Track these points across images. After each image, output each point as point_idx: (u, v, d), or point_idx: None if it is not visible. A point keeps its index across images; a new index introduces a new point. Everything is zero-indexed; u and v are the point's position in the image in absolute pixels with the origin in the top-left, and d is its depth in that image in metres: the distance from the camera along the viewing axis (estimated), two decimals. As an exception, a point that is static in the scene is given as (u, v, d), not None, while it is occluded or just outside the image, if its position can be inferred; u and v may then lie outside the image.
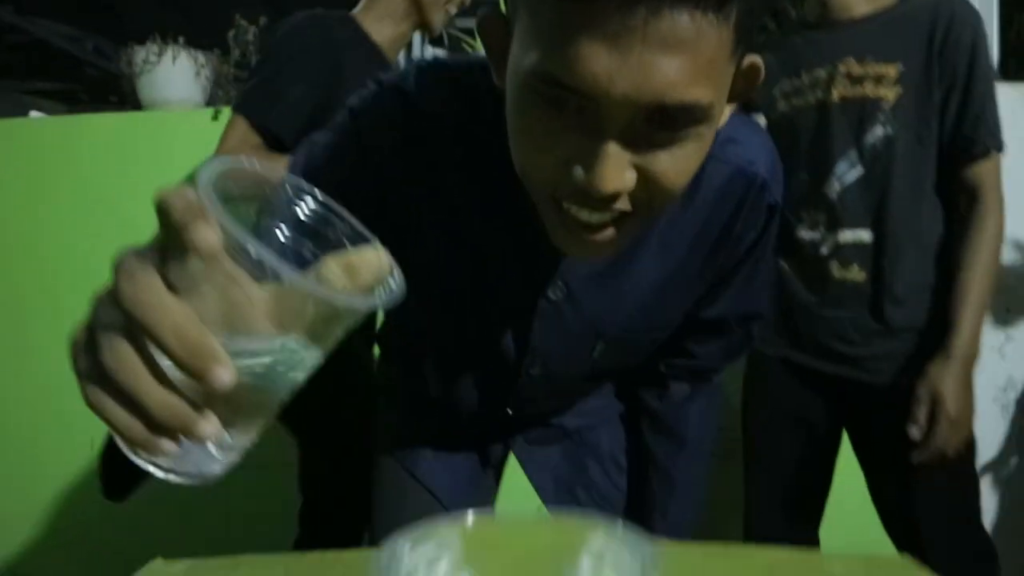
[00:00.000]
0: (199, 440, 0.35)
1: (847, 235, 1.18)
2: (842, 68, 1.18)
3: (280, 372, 0.36)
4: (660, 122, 0.49)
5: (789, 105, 1.25)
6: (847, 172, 1.19)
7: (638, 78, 0.46)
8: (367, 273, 0.37)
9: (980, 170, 1.14)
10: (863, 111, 1.17)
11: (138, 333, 0.33)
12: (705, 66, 0.47)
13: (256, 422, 0.38)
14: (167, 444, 0.35)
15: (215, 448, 0.37)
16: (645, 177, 0.51)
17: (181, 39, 1.56)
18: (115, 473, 0.59)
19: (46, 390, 1.57)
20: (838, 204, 1.19)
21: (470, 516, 0.32)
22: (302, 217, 0.37)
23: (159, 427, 0.34)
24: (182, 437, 0.35)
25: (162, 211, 0.33)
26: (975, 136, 1.13)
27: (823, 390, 1.23)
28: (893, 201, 1.16)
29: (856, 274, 1.17)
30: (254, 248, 0.31)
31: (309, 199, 0.36)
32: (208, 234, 0.31)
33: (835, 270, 1.18)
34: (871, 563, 0.62)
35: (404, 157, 0.65)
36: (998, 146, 1.14)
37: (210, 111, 1.54)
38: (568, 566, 0.28)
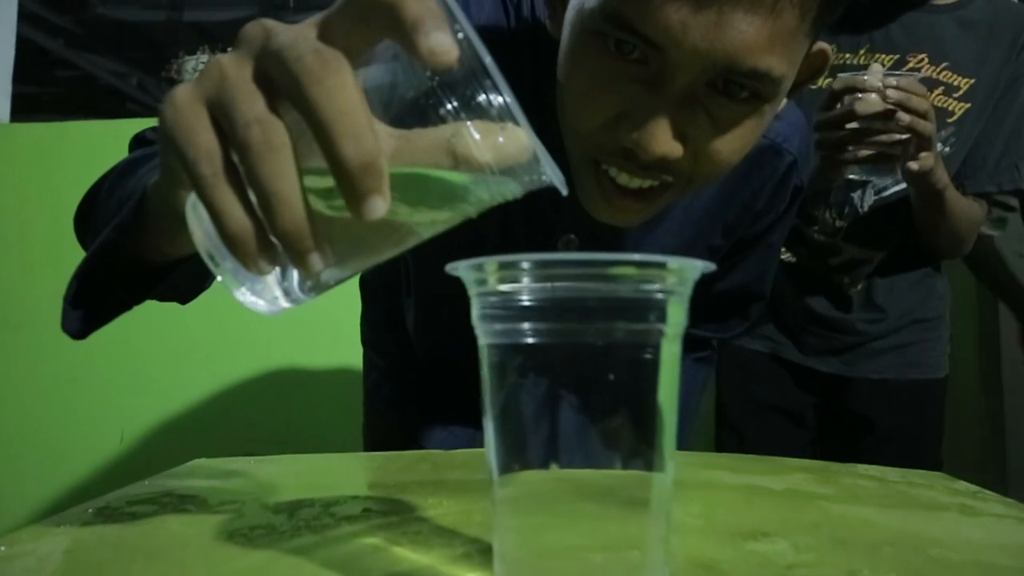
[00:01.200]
0: (304, 271, 0.30)
1: (864, 254, 1.10)
2: (913, 63, 1.03)
3: (408, 227, 0.32)
4: (724, 90, 0.47)
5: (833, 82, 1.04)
6: (891, 183, 1.05)
7: (714, 33, 0.43)
8: (508, 153, 0.30)
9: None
10: None
11: (304, 124, 0.27)
12: (785, 35, 0.44)
13: (346, 273, 0.34)
14: (264, 263, 0.29)
15: (289, 286, 0.33)
16: (695, 151, 0.49)
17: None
18: (93, 302, 0.47)
19: (74, 382, 1.60)
20: (865, 218, 1.07)
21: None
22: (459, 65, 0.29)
23: (271, 241, 0.29)
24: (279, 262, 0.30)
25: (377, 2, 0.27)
26: (1007, 174, 1.06)
27: (812, 386, 1.19)
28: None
29: (862, 287, 1.13)
30: (501, 85, 0.27)
31: (488, 59, 0.28)
32: (450, 44, 0.26)
33: (845, 286, 1.13)
34: (904, 472, 0.62)
35: None
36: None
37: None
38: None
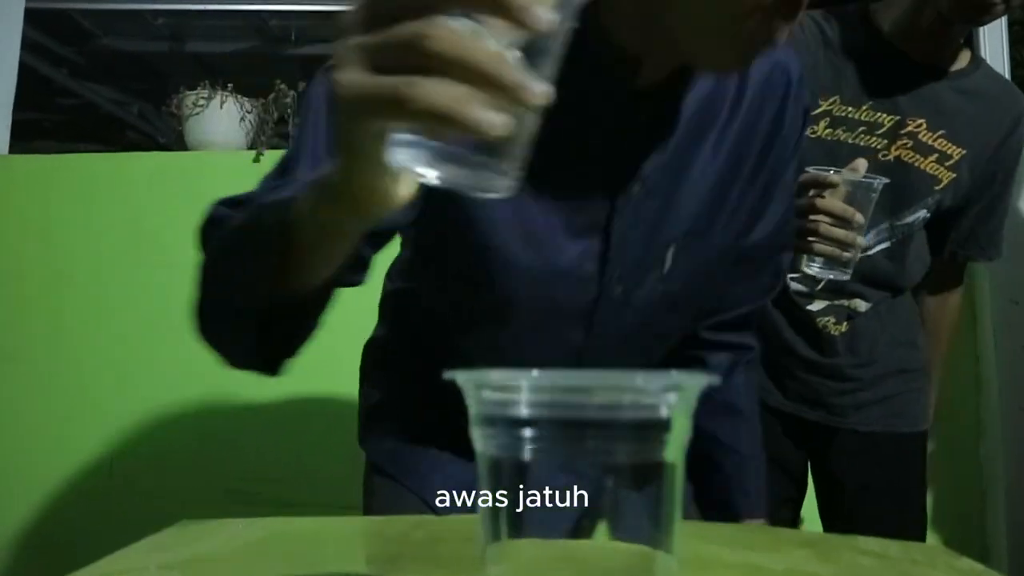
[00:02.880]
0: (527, 102, 0.32)
1: (848, 301, 1.12)
2: (911, 127, 1.06)
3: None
4: None
5: (832, 132, 1.07)
6: (873, 242, 1.08)
7: None
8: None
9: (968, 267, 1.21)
10: (918, 183, 1.06)
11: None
12: None
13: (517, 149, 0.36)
14: (494, 115, 0.31)
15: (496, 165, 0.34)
16: None
17: (230, 85, 1.66)
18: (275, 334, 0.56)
19: (67, 420, 1.59)
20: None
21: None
22: None
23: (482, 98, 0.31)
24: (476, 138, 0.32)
25: None
26: (985, 246, 1.17)
27: (799, 435, 1.18)
28: (904, 275, 1.13)
29: (846, 327, 1.14)
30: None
31: None
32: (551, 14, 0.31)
33: (831, 327, 1.13)
34: (905, 546, 0.61)
35: None
36: (998, 256, 1.19)
37: (252, 153, 1.63)
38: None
